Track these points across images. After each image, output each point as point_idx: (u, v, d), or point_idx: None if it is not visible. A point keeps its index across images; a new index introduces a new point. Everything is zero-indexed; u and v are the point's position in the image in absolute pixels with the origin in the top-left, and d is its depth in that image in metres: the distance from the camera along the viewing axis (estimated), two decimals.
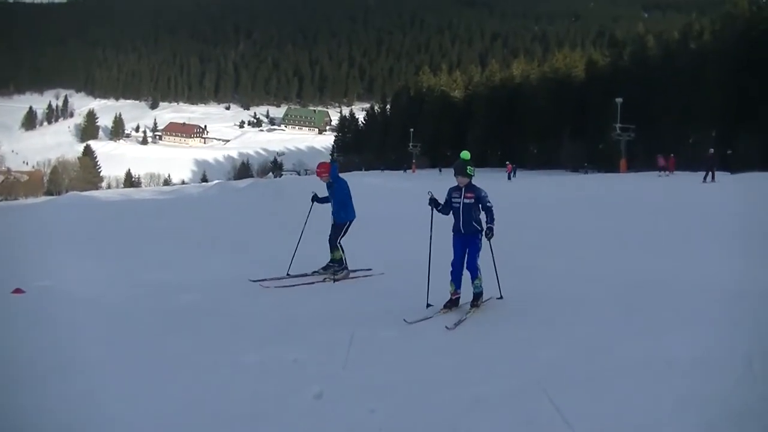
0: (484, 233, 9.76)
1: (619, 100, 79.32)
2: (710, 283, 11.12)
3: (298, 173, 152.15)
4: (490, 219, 9.74)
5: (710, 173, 41.65)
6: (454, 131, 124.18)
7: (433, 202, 10.10)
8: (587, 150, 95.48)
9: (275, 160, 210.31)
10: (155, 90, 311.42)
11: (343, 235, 13.06)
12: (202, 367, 7.72)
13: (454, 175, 9.92)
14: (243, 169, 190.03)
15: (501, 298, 10.41)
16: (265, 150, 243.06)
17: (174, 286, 12.73)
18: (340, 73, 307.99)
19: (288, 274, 13.10)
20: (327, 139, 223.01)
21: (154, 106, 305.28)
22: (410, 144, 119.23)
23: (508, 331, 8.81)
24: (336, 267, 13.14)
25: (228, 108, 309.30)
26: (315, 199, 13.61)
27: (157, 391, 7.00)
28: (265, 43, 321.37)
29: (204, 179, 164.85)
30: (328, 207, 13.41)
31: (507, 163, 77.41)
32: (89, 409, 6.55)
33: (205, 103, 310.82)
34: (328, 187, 13.28)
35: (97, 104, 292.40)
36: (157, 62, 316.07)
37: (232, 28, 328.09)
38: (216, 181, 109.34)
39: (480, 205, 9.81)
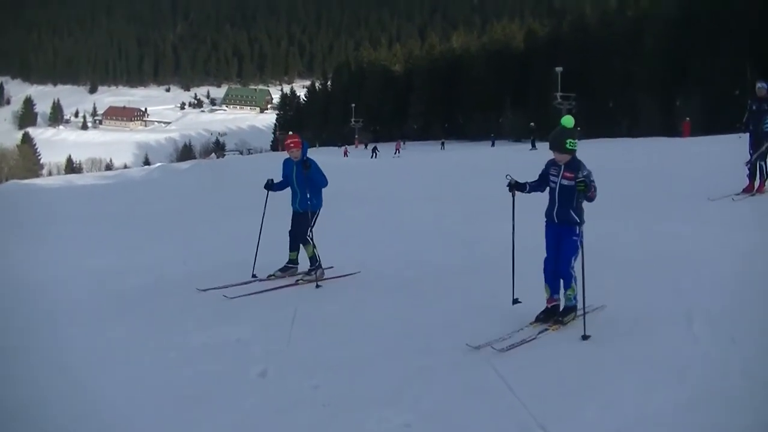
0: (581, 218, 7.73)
1: (559, 69, 79.82)
2: (649, 245, 11.29)
3: (241, 153, 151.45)
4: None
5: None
6: (396, 105, 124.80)
7: (514, 187, 7.94)
8: (529, 119, 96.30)
9: (217, 140, 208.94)
10: (93, 74, 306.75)
11: (313, 226, 10.73)
12: (147, 350, 7.67)
13: (550, 149, 7.80)
14: (185, 151, 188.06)
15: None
16: (207, 131, 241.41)
17: (118, 270, 12.56)
18: (279, 51, 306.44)
19: (254, 275, 10.85)
20: (269, 118, 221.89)
21: (92, 91, 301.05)
22: (352, 119, 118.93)
23: (450, 301, 8.87)
24: (293, 266, 10.97)
25: (168, 90, 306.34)
26: (270, 186, 11.05)
27: (102, 375, 6.99)
28: (202, 23, 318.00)
29: (146, 162, 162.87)
30: (285, 196, 11.04)
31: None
32: (33, 392, 6.51)
33: (144, 86, 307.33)
34: (293, 166, 10.75)
35: (33, 90, 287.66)
36: (94, 46, 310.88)
37: (170, 10, 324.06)
38: (158, 164, 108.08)
39: None
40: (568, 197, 7.60)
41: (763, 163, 16.00)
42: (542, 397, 5.84)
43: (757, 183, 16.09)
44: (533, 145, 52.44)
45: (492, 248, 11.86)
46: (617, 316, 7.61)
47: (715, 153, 25.60)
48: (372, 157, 69.40)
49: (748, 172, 16.17)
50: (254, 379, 6.73)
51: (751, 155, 16.05)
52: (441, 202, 19.61)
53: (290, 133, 11.26)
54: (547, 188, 7.86)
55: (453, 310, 8.49)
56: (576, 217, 7.66)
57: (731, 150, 18.11)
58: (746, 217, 13.61)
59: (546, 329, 7.49)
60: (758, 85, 16.19)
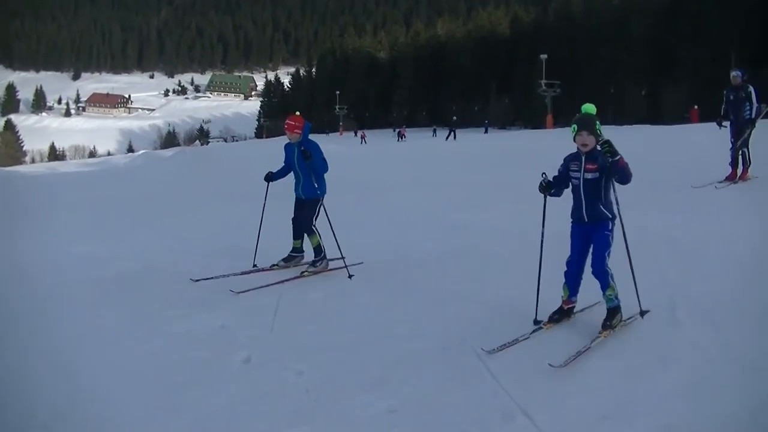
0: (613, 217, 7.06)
1: (543, 56, 79.85)
2: (632, 232, 11.31)
3: (225, 140, 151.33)
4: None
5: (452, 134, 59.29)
6: (381, 92, 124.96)
7: (547, 187, 7.21)
8: (514, 107, 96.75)
9: (201, 127, 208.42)
10: (77, 60, 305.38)
11: (317, 215, 10.17)
12: (130, 338, 7.60)
13: (576, 133, 6.87)
14: (169, 138, 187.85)
15: (645, 312, 7.29)
16: (191, 118, 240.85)
17: (102, 257, 12.48)
18: (264, 38, 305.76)
19: (255, 265, 10.41)
20: (253, 105, 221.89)
21: (76, 77, 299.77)
22: (336, 106, 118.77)
23: (437, 287, 8.88)
24: (297, 255, 10.53)
25: (152, 77, 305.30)
26: (270, 178, 10.47)
27: (89, 362, 6.95)
28: (187, 9, 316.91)
29: (130, 149, 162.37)
30: (284, 182, 10.48)
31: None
32: (22, 380, 6.49)
33: (128, 73, 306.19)
34: (294, 150, 10.16)
35: (16, 77, 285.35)
36: (77, 32, 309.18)
37: None
38: (142, 151, 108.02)
39: (611, 178, 6.91)
40: (594, 191, 6.94)
41: (745, 150, 16.08)
42: (526, 384, 5.85)
43: (739, 170, 16.18)
44: (454, 136, 58.04)
45: (483, 235, 11.94)
46: (601, 304, 7.62)
47: (699, 141, 25.65)
48: (398, 140, 77.49)
49: (731, 159, 16.25)
50: (238, 365, 6.71)
51: (732, 143, 16.13)
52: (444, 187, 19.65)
53: (297, 113, 10.43)
54: (571, 188, 7.18)
55: (438, 296, 8.51)
56: (607, 212, 6.99)
57: (714, 138, 18.13)
58: (729, 204, 13.68)
59: (598, 335, 6.82)
60: (733, 73, 16.24)
